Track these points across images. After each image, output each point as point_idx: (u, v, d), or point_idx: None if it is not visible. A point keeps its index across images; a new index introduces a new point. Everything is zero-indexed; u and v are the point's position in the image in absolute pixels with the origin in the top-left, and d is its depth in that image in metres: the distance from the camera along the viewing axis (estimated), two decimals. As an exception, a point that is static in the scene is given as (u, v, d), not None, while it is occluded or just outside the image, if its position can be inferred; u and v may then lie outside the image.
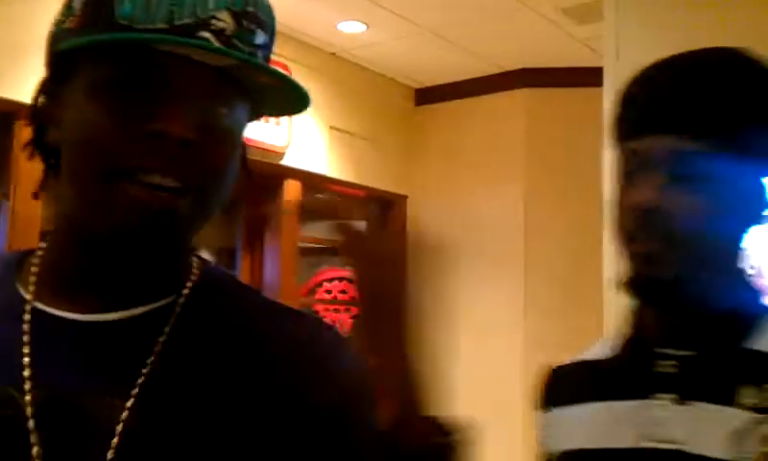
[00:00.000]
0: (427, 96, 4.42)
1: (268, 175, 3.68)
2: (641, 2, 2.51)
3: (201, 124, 0.68)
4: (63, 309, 0.72)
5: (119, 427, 0.68)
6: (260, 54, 0.71)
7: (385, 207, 4.40)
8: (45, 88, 0.73)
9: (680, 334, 0.98)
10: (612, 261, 2.45)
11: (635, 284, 0.98)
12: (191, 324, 0.74)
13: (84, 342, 0.71)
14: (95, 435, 0.68)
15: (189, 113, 0.67)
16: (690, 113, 0.95)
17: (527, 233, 3.99)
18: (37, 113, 0.74)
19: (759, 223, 1.00)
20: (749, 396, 0.92)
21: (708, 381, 0.95)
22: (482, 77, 4.16)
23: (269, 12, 0.73)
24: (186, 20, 0.66)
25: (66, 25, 0.71)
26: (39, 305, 0.73)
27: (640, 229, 0.96)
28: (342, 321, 6.69)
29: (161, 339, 0.72)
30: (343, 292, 6.95)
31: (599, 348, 1.10)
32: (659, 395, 0.96)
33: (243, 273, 3.86)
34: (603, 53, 2.65)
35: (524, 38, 3.73)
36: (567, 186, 3.92)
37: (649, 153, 0.96)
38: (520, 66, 4.01)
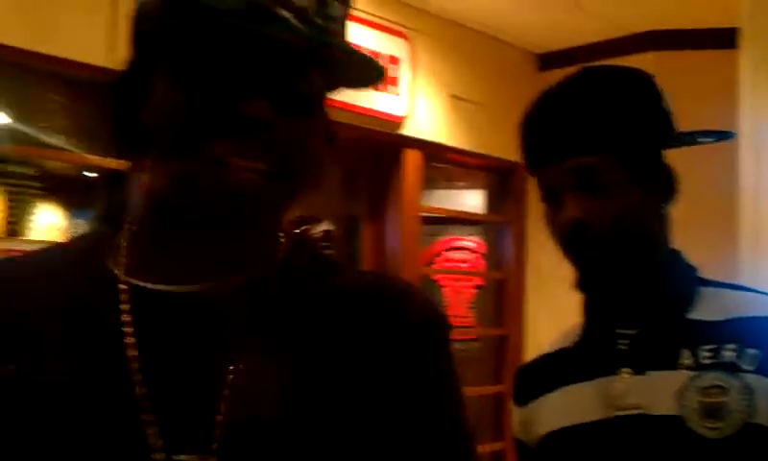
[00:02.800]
0: (550, 61, 4.31)
1: (388, 145, 3.70)
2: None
3: (278, 102, 0.69)
4: (155, 283, 0.75)
5: (227, 391, 0.70)
6: (337, 25, 0.73)
7: (506, 176, 4.35)
8: (132, 69, 0.75)
9: (629, 316, 1.17)
10: (749, 249, 2.33)
11: (583, 285, 1.20)
12: (283, 293, 0.77)
13: (180, 312, 0.74)
14: (204, 399, 0.70)
15: (266, 93, 0.68)
16: (580, 136, 1.15)
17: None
18: (126, 93, 0.75)
19: (670, 204, 1.22)
20: (687, 357, 1.11)
21: (655, 352, 1.14)
22: (607, 40, 4.01)
23: None
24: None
25: (150, 5, 0.72)
26: (132, 280, 0.75)
27: (571, 243, 1.17)
28: (463, 290, 6.69)
29: (258, 307, 0.75)
30: (463, 262, 6.94)
31: (561, 340, 1.28)
32: (619, 370, 1.14)
33: (365, 242, 3.91)
34: (737, 11, 2.50)
35: (654, -1, 3.57)
36: (698, 155, 3.74)
37: (559, 178, 1.16)
38: (649, 28, 3.85)
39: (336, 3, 0.72)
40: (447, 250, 7.00)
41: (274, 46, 0.68)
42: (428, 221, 5.31)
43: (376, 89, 3.47)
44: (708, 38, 3.68)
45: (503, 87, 4.17)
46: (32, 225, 4.70)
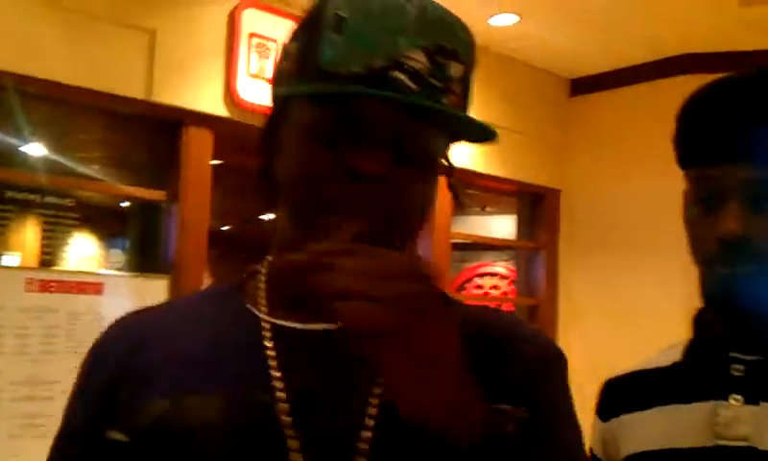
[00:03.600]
0: (582, 86, 4.31)
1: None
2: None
3: (395, 159, 0.74)
4: (292, 321, 0.80)
5: (371, 422, 0.74)
6: (456, 86, 0.77)
7: (537, 202, 4.33)
8: (269, 125, 0.82)
9: (749, 340, 1.05)
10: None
11: (716, 299, 1.06)
12: None
13: (318, 347, 0.79)
14: (347, 430, 0.75)
15: (383, 151, 0.73)
16: (763, 144, 1.00)
17: (690, 227, 3.80)
18: (264, 147, 0.82)
19: None
20: None
21: None
22: (641, 64, 4.00)
23: (465, 42, 0.79)
24: (381, 63, 0.72)
25: (284, 68, 0.80)
26: (272, 320, 0.81)
27: (724, 255, 1.03)
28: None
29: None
30: (494, 288, 6.91)
31: (659, 356, 1.19)
32: (729, 396, 1.04)
33: (396, 269, 3.91)
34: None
35: (686, 23, 3.56)
36: None
37: (727, 182, 1.03)
38: (682, 51, 3.83)
39: (453, 63, 0.76)
40: (478, 276, 6.98)
41: (389, 106, 0.73)
42: (459, 247, 5.28)
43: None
44: (742, 60, 3.66)
45: (534, 113, 4.17)
46: (66, 255, 4.77)
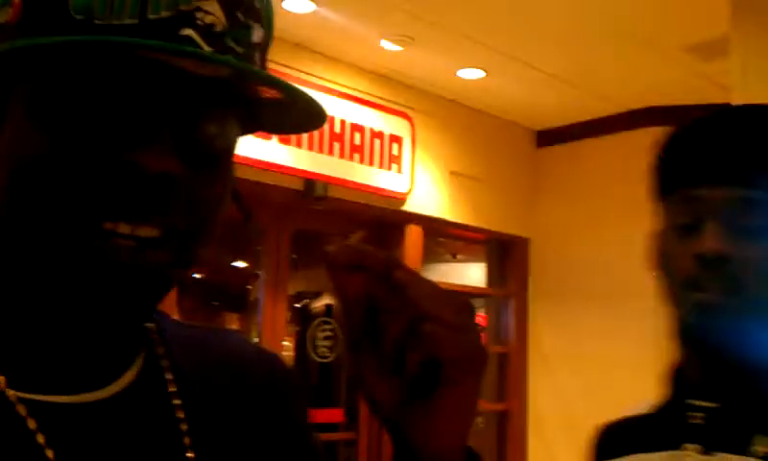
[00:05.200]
0: (549, 138, 4.40)
1: (390, 221, 3.75)
2: (770, 35, 2.43)
3: (185, 151, 0.52)
4: (52, 394, 0.56)
5: None
6: (257, 55, 0.56)
7: (507, 250, 4.38)
8: None
9: (712, 387, 1.01)
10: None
11: (691, 332, 1.01)
12: (185, 374, 0.64)
13: (94, 421, 0.57)
14: None
15: (170, 139, 0.52)
16: (754, 164, 0.98)
17: (655, 275, 3.87)
18: None
19: None
20: (762, 444, 0.95)
21: (729, 432, 0.98)
22: (605, 117, 4.11)
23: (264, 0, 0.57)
24: (163, 13, 0.50)
25: (1, 18, 0.52)
26: (26, 395, 0.55)
27: (701, 277, 0.97)
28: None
29: (174, 401, 0.62)
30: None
31: (645, 403, 1.16)
32: (686, 445, 1.01)
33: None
34: (731, 89, 2.57)
35: (648, 78, 3.67)
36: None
37: (712, 202, 0.98)
38: (644, 105, 3.94)
39: (255, 25, 0.55)
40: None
41: (176, 76, 0.51)
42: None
43: (380, 167, 3.54)
44: (701, 113, 3.77)
45: (502, 163, 4.25)
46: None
